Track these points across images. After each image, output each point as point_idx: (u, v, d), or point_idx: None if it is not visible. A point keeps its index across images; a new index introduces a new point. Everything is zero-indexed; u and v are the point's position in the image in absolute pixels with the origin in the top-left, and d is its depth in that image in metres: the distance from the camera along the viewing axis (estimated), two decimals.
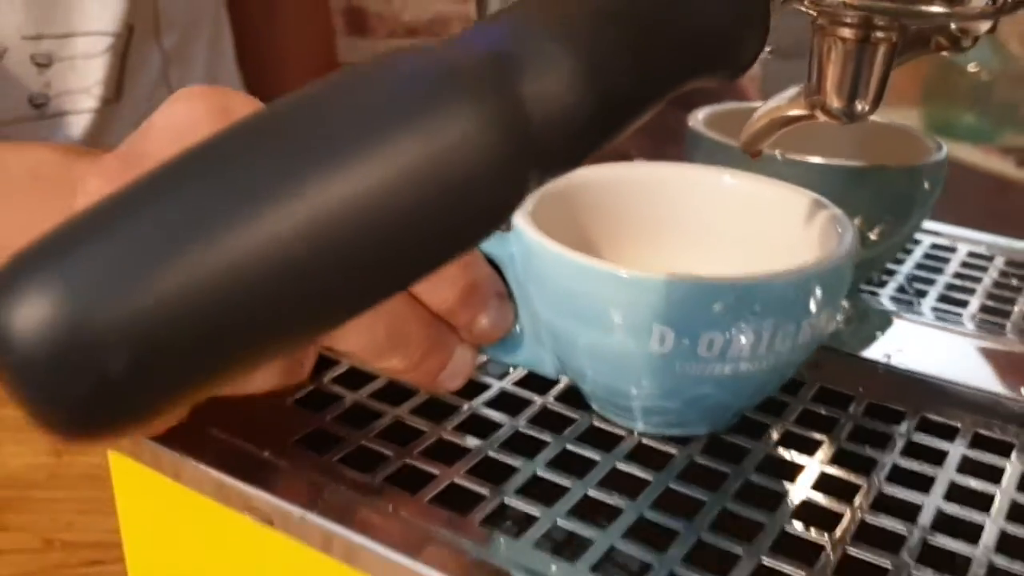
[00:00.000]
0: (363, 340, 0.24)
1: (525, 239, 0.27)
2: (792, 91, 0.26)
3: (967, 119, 0.45)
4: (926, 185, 0.36)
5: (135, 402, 0.12)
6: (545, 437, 0.29)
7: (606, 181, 0.33)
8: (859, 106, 0.25)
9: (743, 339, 0.25)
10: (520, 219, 0.27)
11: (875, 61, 0.24)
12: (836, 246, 0.28)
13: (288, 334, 0.14)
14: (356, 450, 0.28)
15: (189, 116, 0.25)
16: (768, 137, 0.27)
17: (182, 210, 0.13)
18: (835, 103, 0.25)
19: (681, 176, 0.33)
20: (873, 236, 0.35)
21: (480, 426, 0.30)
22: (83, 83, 0.66)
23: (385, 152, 0.14)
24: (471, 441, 0.29)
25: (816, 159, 0.34)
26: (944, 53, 0.29)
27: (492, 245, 0.28)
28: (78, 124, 0.67)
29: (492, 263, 0.28)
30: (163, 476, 0.27)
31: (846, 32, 0.24)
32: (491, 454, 0.28)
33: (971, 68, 0.43)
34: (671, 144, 0.39)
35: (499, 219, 0.16)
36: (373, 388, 0.31)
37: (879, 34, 0.24)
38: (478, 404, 0.31)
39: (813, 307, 0.26)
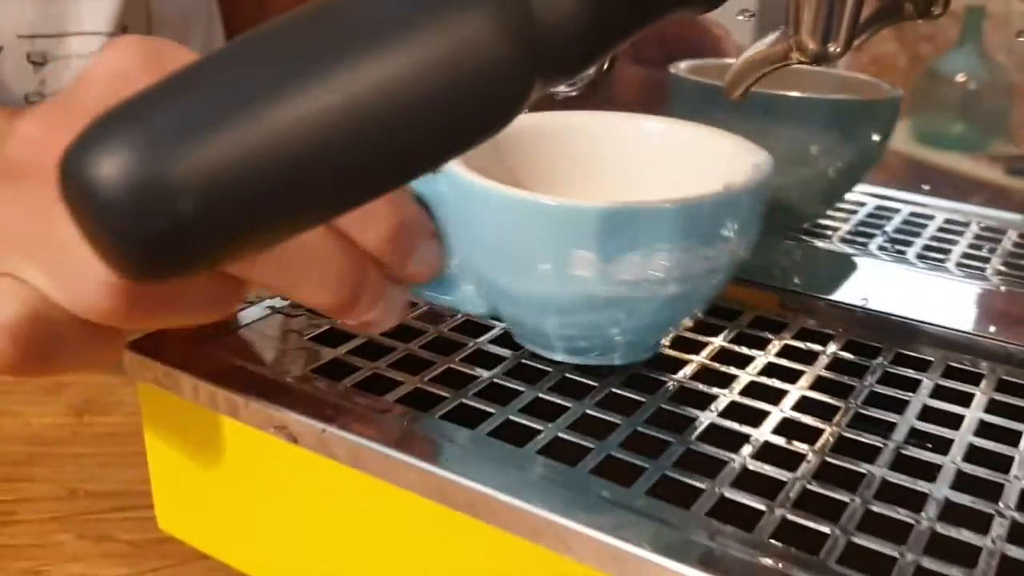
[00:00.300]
0: (292, 274, 0.24)
1: (452, 175, 0.28)
2: (771, 37, 0.28)
3: (955, 129, 0.46)
4: (884, 118, 0.39)
5: (197, 245, 0.15)
6: (476, 372, 0.31)
7: (536, 129, 0.34)
8: (832, 48, 0.27)
9: (659, 262, 0.26)
10: (448, 166, 0.28)
11: (846, 6, 0.26)
12: (749, 177, 0.29)
13: (324, 200, 0.16)
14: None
15: (123, 64, 0.24)
16: (749, 80, 0.29)
17: (238, 82, 0.15)
18: (810, 45, 0.27)
19: (606, 122, 0.34)
20: (840, 164, 0.39)
21: (416, 364, 0.31)
22: None
23: (405, 47, 0.16)
24: (407, 376, 0.31)
25: (792, 92, 0.37)
26: (919, 20, 0.31)
27: (423, 185, 0.28)
28: None
29: (424, 204, 0.28)
30: (191, 403, 0.29)
31: None
32: (422, 386, 0.30)
33: (958, 79, 0.43)
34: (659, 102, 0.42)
35: (506, 116, 0.18)
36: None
37: None
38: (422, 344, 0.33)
39: (727, 231, 0.27)
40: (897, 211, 0.46)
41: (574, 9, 0.18)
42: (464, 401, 0.29)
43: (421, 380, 0.30)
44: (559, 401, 0.29)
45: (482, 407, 0.29)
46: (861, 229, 0.41)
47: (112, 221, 0.14)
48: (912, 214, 0.47)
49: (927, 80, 0.44)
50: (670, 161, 0.33)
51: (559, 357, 0.31)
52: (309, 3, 0.16)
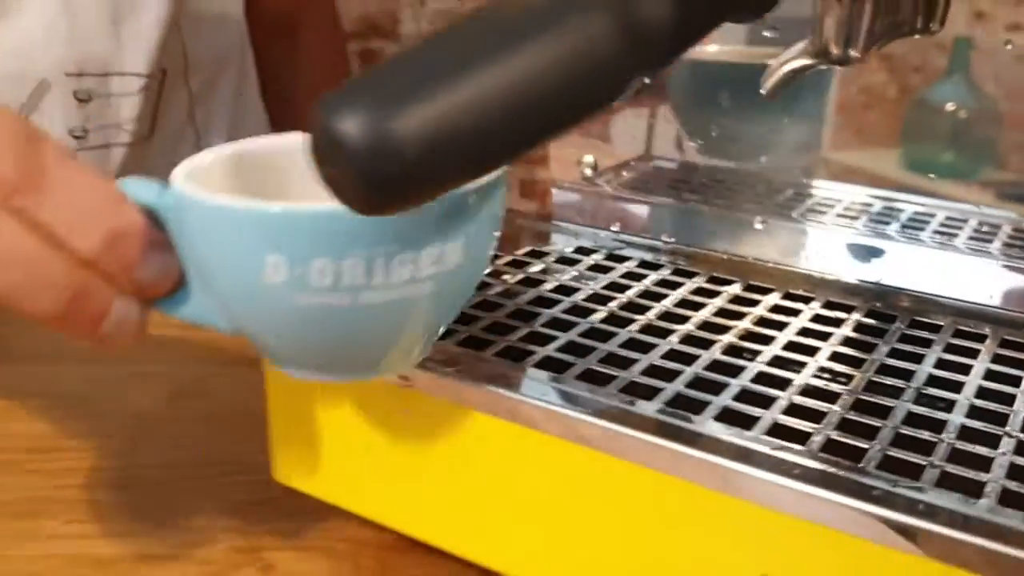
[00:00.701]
0: (5, 282, 0.24)
1: (171, 188, 0.28)
2: (800, 45, 0.33)
3: (946, 157, 0.46)
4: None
5: (417, 184, 0.20)
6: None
7: (270, 149, 0.33)
8: (852, 52, 0.32)
9: (355, 267, 0.25)
10: (174, 177, 0.28)
11: (863, 16, 0.32)
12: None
13: (501, 148, 0.21)
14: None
15: None
16: (786, 83, 0.34)
17: (440, 63, 0.20)
18: (834, 50, 0.32)
19: None
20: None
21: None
22: (118, 119, 0.71)
23: (548, 44, 0.21)
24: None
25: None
26: (916, 36, 0.37)
27: (152, 197, 0.28)
28: (114, 157, 0.72)
29: (153, 217, 0.28)
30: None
31: None
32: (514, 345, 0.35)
33: (948, 108, 0.44)
34: None
35: (613, 96, 0.23)
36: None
37: None
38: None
39: (436, 236, 0.26)
40: (903, 210, 0.51)
41: (666, 19, 0.24)
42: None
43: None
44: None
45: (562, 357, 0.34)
46: (874, 219, 0.46)
47: (353, 167, 0.19)
48: (916, 212, 0.52)
49: (917, 109, 0.45)
50: None
51: (298, 375, 0.30)
52: (475, 14, 0.21)
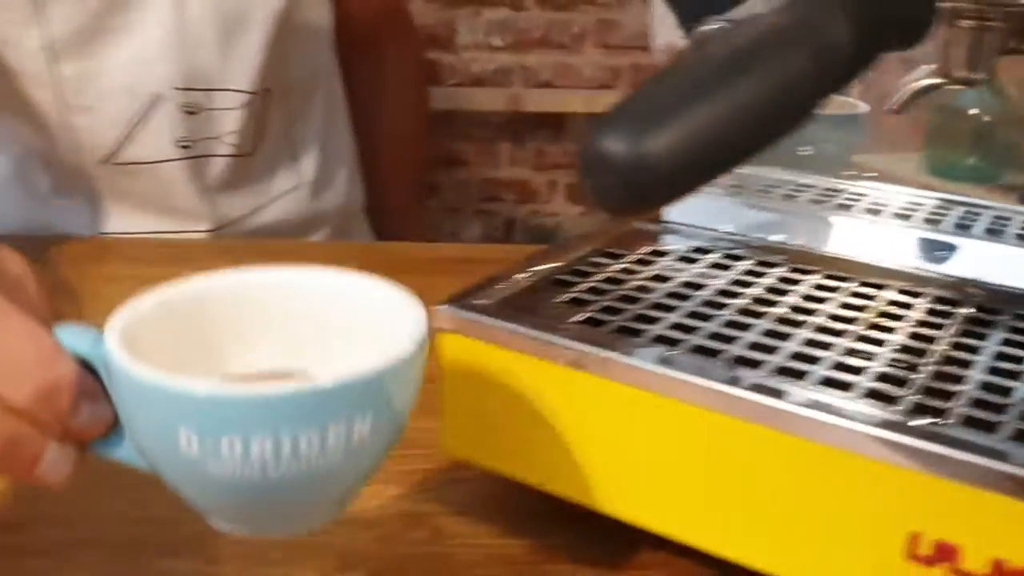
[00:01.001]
0: None
1: (104, 340, 0.29)
2: (927, 68, 0.38)
3: (970, 161, 0.48)
4: None
5: (669, 190, 0.24)
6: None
7: (204, 294, 0.33)
8: (976, 75, 0.36)
9: (263, 445, 0.27)
10: (108, 329, 0.29)
11: (985, 42, 0.36)
12: (384, 357, 0.28)
13: (735, 159, 0.25)
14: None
15: None
16: (914, 100, 0.38)
17: (679, 92, 0.25)
18: (959, 73, 0.36)
19: (269, 278, 0.34)
20: None
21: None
22: (221, 132, 0.76)
23: (761, 74, 0.26)
24: None
25: None
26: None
27: (88, 347, 0.30)
28: (215, 168, 0.78)
29: (89, 366, 0.30)
30: (488, 343, 0.39)
31: (965, 23, 0.36)
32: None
33: (972, 112, 0.47)
34: None
35: (810, 112, 0.28)
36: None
37: (988, 23, 0.36)
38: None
39: (336, 415, 0.27)
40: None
41: (844, 46, 0.28)
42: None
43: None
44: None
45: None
46: (928, 217, 0.50)
47: (618, 179, 0.24)
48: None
49: (942, 115, 0.48)
50: (335, 318, 0.34)
51: (223, 528, 0.31)
52: (708, 48, 0.26)
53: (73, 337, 0.30)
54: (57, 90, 0.72)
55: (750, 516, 0.35)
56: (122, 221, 0.79)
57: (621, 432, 0.37)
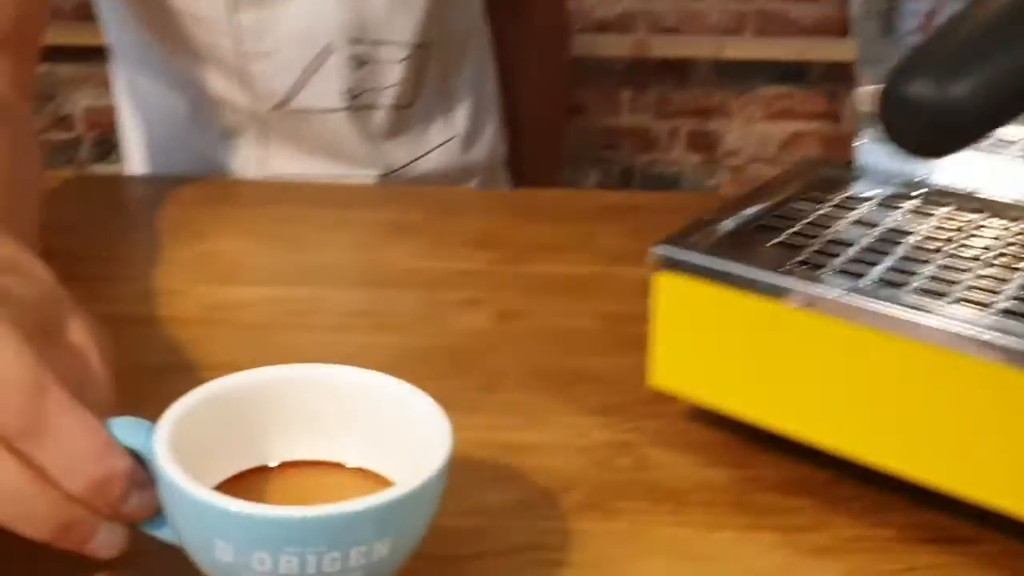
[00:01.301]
0: (2, 512, 0.30)
1: (152, 439, 0.32)
2: None
3: None
4: None
5: (971, 133, 0.25)
6: None
7: (252, 384, 0.36)
8: None
9: (290, 561, 0.30)
10: (159, 428, 0.33)
11: None
12: (414, 479, 0.31)
13: None
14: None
15: None
16: None
17: (980, 34, 0.25)
18: None
19: (314, 374, 0.37)
20: None
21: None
22: (384, 83, 0.79)
23: None
24: None
25: None
26: None
27: (137, 440, 0.32)
28: (376, 118, 0.80)
29: (138, 457, 0.32)
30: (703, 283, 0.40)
31: None
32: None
33: None
34: None
35: None
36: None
37: None
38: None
39: (358, 539, 0.30)
40: None
41: None
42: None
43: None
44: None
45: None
46: None
47: (922, 122, 0.25)
48: None
49: None
50: (368, 413, 0.36)
51: None
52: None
53: (126, 430, 0.33)
54: (236, 37, 0.76)
55: (977, 453, 0.36)
56: (292, 163, 0.82)
57: (849, 372, 0.38)
